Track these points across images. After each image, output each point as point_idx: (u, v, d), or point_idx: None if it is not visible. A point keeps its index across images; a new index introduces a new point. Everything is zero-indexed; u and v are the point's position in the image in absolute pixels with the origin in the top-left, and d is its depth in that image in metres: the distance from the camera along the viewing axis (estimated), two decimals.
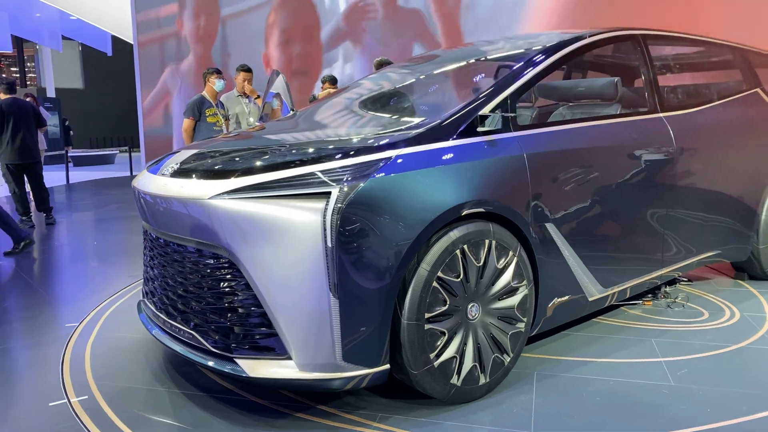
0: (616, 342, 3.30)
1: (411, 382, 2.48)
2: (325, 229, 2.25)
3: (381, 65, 5.90)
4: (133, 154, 15.85)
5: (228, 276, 2.42)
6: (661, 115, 3.54)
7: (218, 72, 6.17)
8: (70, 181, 13.49)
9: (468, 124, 2.67)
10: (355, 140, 2.55)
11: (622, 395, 2.67)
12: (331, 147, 2.50)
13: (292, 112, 4.45)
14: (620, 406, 2.57)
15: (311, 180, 2.31)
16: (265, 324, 2.36)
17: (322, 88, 7.24)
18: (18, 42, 31.20)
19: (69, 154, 15.27)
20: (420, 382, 2.46)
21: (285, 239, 2.28)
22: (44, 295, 4.36)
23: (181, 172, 2.65)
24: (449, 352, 2.50)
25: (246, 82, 6.39)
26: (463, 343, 2.55)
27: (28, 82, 33.89)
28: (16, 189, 7.06)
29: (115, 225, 7.76)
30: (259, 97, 6.48)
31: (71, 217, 8.15)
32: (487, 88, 2.86)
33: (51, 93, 28.29)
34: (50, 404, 2.64)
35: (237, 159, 2.64)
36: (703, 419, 2.45)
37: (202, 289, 2.51)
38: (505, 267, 2.65)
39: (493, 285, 2.63)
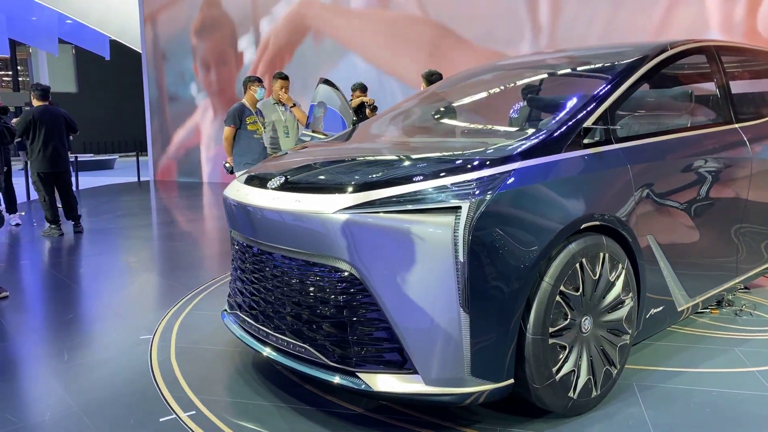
0: (701, 351, 3.32)
1: (530, 396, 2.47)
2: (456, 244, 2.24)
3: (431, 76, 5.89)
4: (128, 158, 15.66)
5: (350, 290, 2.41)
6: (736, 125, 3.58)
7: (259, 80, 6.15)
8: (79, 187, 13.35)
9: (575, 136, 2.68)
10: (473, 153, 2.54)
11: (731, 406, 2.69)
12: (452, 160, 2.49)
13: (351, 125, 4.43)
14: (733, 417, 2.59)
15: (440, 194, 2.31)
16: (390, 338, 2.36)
17: (352, 96, 7.23)
18: (11, 45, 30.87)
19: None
20: (540, 396, 2.45)
21: (414, 254, 2.27)
22: (104, 307, 4.31)
23: (294, 186, 2.63)
24: (568, 365, 2.51)
25: (283, 90, 6.37)
26: (579, 357, 2.55)
27: (21, 87, 33.51)
28: (46, 197, 6.98)
29: (146, 232, 7.70)
30: (295, 105, 6.46)
31: (97, 225, 8.07)
32: (587, 99, 2.87)
33: None
34: (161, 420, 2.61)
35: (354, 172, 2.62)
36: None
37: (319, 303, 2.49)
38: (616, 279, 2.66)
39: (604, 298, 2.64)
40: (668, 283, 3.04)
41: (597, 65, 3.41)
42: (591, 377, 2.59)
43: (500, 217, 2.30)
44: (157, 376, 3.05)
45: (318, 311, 2.50)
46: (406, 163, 2.60)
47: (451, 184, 2.32)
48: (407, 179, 2.38)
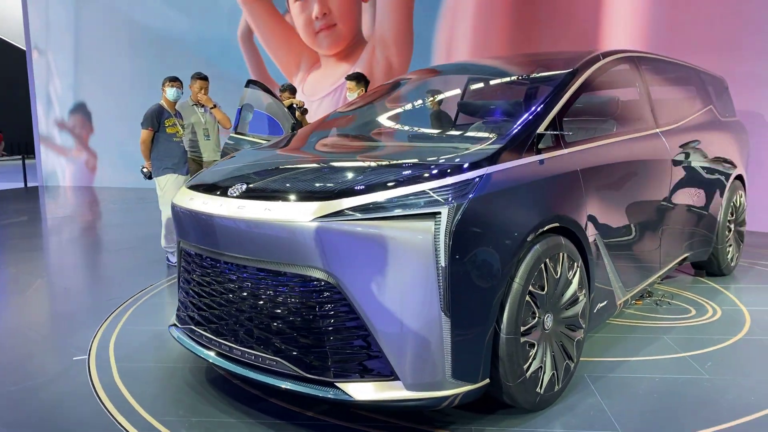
0: (635, 341, 3.56)
1: (501, 394, 2.55)
2: (437, 249, 2.27)
3: (361, 78, 5.87)
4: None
5: (326, 299, 2.36)
6: (657, 130, 3.88)
7: (172, 80, 5.81)
8: None
9: (530, 142, 2.79)
10: (446, 159, 2.57)
11: (674, 391, 2.91)
12: (427, 166, 2.51)
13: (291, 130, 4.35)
14: (679, 401, 2.81)
15: (419, 200, 2.32)
16: (369, 346, 2.34)
17: (280, 97, 7.07)
18: None
19: None
20: (513, 393, 2.54)
21: (394, 261, 2.28)
22: (24, 327, 3.95)
23: (259, 194, 2.55)
24: (536, 362, 2.61)
25: (202, 91, 6.10)
26: (545, 353, 2.66)
27: None
28: None
29: (44, 243, 7.11)
30: (215, 107, 6.22)
31: None
32: (536, 106, 3.00)
33: None
34: None
35: (326, 179, 2.58)
36: (754, 407, 2.73)
37: (293, 314, 2.43)
38: (573, 277, 2.80)
39: (563, 295, 2.77)
40: (610, 279, 3.25)
41: (538, 73, 3.57)
42: (555, 372, 2.71)
43: (476, 222, 2.36)
44: (104, 400, 2.83)
45: (291, 322, 2.44)
46: (380, 169, 2.59)
47: (430, 190, 2.35)
48: (384, 185, 2.38)
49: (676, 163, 3.92)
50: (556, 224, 2.70)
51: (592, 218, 2.98)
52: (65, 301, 4.56)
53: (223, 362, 2.67)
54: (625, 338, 3.61)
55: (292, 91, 7.00)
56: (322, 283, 2.35)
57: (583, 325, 2.91)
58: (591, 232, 2.97)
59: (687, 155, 4.11)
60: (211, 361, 2.72)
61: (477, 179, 2.43)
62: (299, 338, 2.43)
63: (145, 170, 5.72)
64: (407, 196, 2.33)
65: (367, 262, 2.30)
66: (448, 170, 2.43)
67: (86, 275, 5.42)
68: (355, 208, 2.32)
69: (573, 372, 2.89)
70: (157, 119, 5.56)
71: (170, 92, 5.72)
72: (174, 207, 2.95)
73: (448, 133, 3.31)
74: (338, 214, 2.31)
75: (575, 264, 2.82)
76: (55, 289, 4.90)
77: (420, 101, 4.00)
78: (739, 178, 5.09)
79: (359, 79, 5.82)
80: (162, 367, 3.23)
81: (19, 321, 4.07)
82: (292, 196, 2.45)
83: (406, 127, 3.48)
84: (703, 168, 4.38)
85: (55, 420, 2.70)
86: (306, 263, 2.37)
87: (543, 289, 2.61)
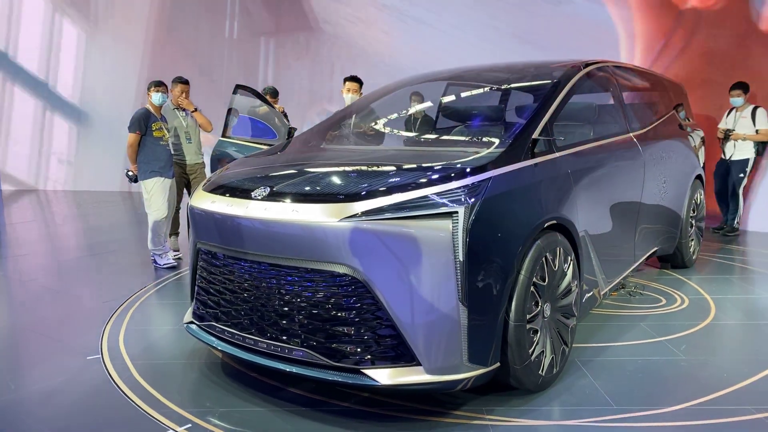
0: (615, 328, 3.88)
1: (508, 377, 2.80)
2: (455, 245, 2.50)
3: (354, 80, 6.06)
4: None
5: (353, 293, 2.56)
6: (630, 135, 4.21)
7: (158, 84, 5.89)
8: None
9: (528, 146, 3.05)
10: (460, 162, 2.80)
11: (656, 370, 3.22)
12: (444, 169, 2.73)
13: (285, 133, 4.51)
14: (662, 379, 3.12)
15: (439, 201, 2.55)
16: (392, 335, 2.55)
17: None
18: None
19: None
20: (519, 376, 2.79)
21: (416, 256, 2.50)
22: (28, 331, 3.99)
23: (285, 196, 2.72)
24: (539, 347, 2.87)
25: (183, 95, 6.18)
26: (545, 339, 2.93)
27: None
28: None
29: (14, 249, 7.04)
30: (196, 110, 6.29)
31: None
32: (532, 113, 3.27)
33: None
34: None
35: (352, 181, 2.77)
36: (727, 382, 3.06)
37: (321, 307, 2.61)
38: (568, 269, 3.08)
39: (559, 286, 3.04)
40: (596, 271, 3.55)
41: (528, 82, 3.84)
42: (554, 356, 2.98)
43: (488, 220, 2.60)
44: (128, 394, 2.96)
45: (319, 315, 2.62)
46: (400, 172, 2.80)
47: (447, 191, 2.58)
48: (405, 188, 2.60)
49: (647, 163, 4.26)
50: (554, 221, 2.97)
51: (581, 215, 3.26)
52: (59, 304, 4.60)
53: (248, 355, 2.84)
54: (607, 326, 3.92)
55: (274, 94, 7.12)
56: (349, 278, 2.55)
57: (576, 313, 3.20)
58: (581, 228, 3.25)
59: (656, 157, 4.47)
60: (234, 354, 2.88)
61: (486, 181, 2.68)
62: (326, 330, 2.61)
63: (130, 173, 5.76)
64: (426, 197, 2.56)
65: (391, 259, 2.51)
66: (463, 173, 2.66)
67: (74, 279, 5.43)
68: (378, 209, 2.53)
69: (568, 356, 3.16)
70: (144, 123, 5.61)
71: (156, 97, 5.77)
72: (192, 209, 3.09)
73: (453, 137, 3.56)
74: (364, 214, 2.51)
75: (569, 258, 3.09)
76: (46, 293, 4.92)
77: (421, 106, 4.23)
78: (699, 177, 5.52)
79: (358, 80, 6.03)
80: (178, 364, 3.36)
81: (18, 326, 4.11)
82: (318, 199, 2.64)
83: (412, 132, 3.70)
84: (670, 168, 4.75)
85: (87, 413, 2.81)
86: (333, 260, 2.56)
87: (544, 281, 2.87)
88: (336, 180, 2.84)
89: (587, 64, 3.89)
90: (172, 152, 6.00)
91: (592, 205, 3.44)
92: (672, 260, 5.36)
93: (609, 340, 3.68)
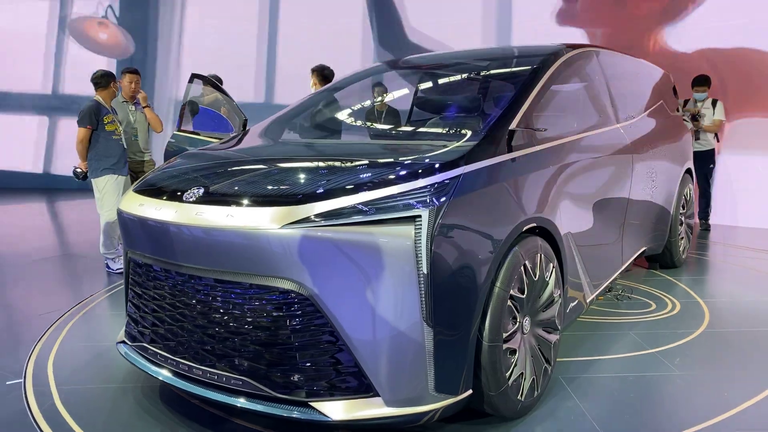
0: (602, 338, 3.54)
1: (483, 404, 2.43)
2: (418, 255, 2.12)
3: (324, 71, 5.64)
4: None
5: (299, 312, 2.18)
6: (618, 126, 3.86)
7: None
8: None
9: (503, 139, 2.68)
10: (423, 158, 2.42)
11: (648, 388, 2.88)
12: (404, 165, 2.35)
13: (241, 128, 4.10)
14: (655, 400, 2.77)
15: (398, 203, 2.16)
16: (346, 361, 2.17)
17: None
18: None
19: None
20: (495, 403, 2.42)
21: (372, 269, 2.12)
22: None
23: (220, 198, 2.33)
24: (518, 369, 2.51)
25: (132, 84, 5.68)
26: (525, 359, 2.56)
27: None
28: None
29: None
30: (147, 106, 5.80)
31: None
32: (507, 101, 2.90)
33: None
34: None
35: (295, 181, 2.37)
36: (728, 403, 2.72)
37: (261, 329, 2.23)
38: (549, 278, 2.71)
39: (540, 297, 2.68)
40: (581, 277, 3.19)
41: (504, 68, 3.47)
42: (534, 377, 2.62)
43: (457, 224, 2.23)
44: (44, 430, 2.55)
45: (259, 338, 2.23)
46: (354, 170, 2.41)
47: (409, 191, 2.19)
48: (358, 188, 2.21)
49: (635, 157, 3.92)
50: (534, 224, 2.60)
51: (564, 215, 2.90)
52: None
53: (182, 383, 2.44)
54: (593, 336, 3.58)
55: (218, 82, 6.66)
56: (293, 294, 2.17)
57: (559, 327, 2.84)
58: (564, 230, 2.89)
59: (645, 150, 4.13)
60: (167, 381, 2.49)
61: (455, 179, 2.30)
62: (268, 355, 2.23)
63: (78, 170, 5.31)
64: (383, 199, 2.17)
65: (342, 272, 2.13)
66: (428, 170, 2.28)
67: (12, 287, 4.98)
68: (327, 213, 2.14)
69: (550, 375, 2.80)
70: (95, 116, 5.15)
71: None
72: (121, 213, 2.68)
73: (418, 130, 3.17)
74: (309, 219, 2.13)
75: (551, 264, 2.73)
76: None
77: (382, 97, 3.84)
78: (689, 171, 5.19)
79: (321, 72, 5.60)
80: (110, 389, 2.95)
81: None
82: (258, 201, 2.25)
83: (369, 125, 3.32)
84: (660, 162, 4.42)
85: None
86: (275, 274, 2.17)
87: (523, 293, 2.51)
88: (281, 180, 2.44)
89: (569, 47, 3.53)
90: (126, 147, 5.53)
91: (576, 203, 3.08)
92: (661, 260, 5.04)
93: (596, 352, 3.33)
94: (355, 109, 3.72)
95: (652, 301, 4.22)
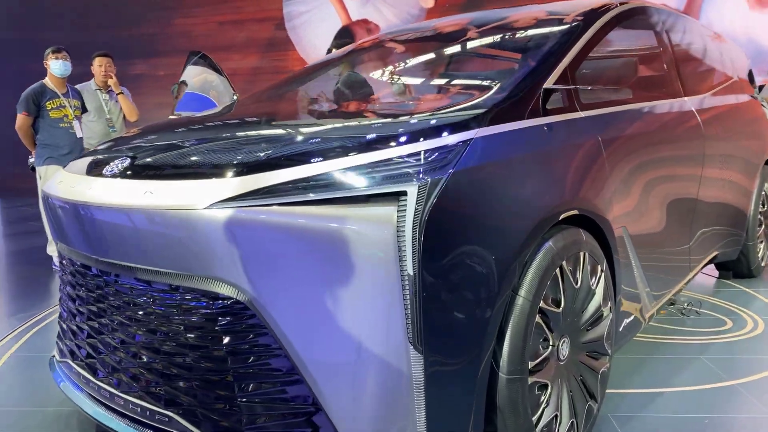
0: (665, 364, 2.79)
1: None
2: (401, 249, 1.47)
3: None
4: None
5: (236, 326, 1.56)
6: (685, 98, 3.11)
7: (56, 51, 4.69)
8: None
9: (535, 100, 2.00)
10: (417, 118, 1.78)
11: None
12: (387, 126, 1.72)
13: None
14: None
15: (372, 175, 1.52)
16: (299, 395, 1.54)
17: None
18: None
19: None
20: None
21: (336, 268, 1.48)
22: None
23: (144, 171, 1.74)
24: (550, 410, 1.82)
25: (102, 68, 5.10)
26: (560, 395, 1.87)
27: None
28: None
29: None
30: (121, 93, 5.23)
31: None
32: (544, 54, 2.22)
33: None
34: None
35: (239, 150, 1.76)
36: None
37: (187, 348, 1.62)
38: (596, 286, 2.01)
39: (583, 312, 1.98)
40: (639, 286, 2.47)
41: (544, 23, 2.76)
42: (574, 420, 1.92)
43: (461, 206, 1.57)
44: None
45: (186, 361, 1.63)
46: (317, 134, 1.79)
47: (389, 159, 1.55)
48: (319, 154, 1.58)
49: (707, 140, 3.15)
50: (575, 212, 1.91)
51: (617, 205, 2.20)
52: None
53: (100, 414, 1.86)
54: (652, 360, 2.84)
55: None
56: (229, 302, 1.55)
57: (609, 351, 2.13)
58: (617, 224, 2.19)
59: (718, 133, 3.35)
60: (85, 411, 1.91)
61: (462, 145, 1.64)
62: (199, 384, 1.62)
63: (30, 159, 4.82)
64: (353, 168, 1.53)
65: (295, 271, 1.50)
66: (419, 132, 1.63)
67: None
68: (275, 188, 1.52)
69: (597, 415, 2.10)
70: (34, 101, 4.59)
71: (55, 65, 4.70)
72: (44, 197, 2.13)
73: (427, 95, 2.53)
74: (248, 196, 1.51)
75: (599, 267, 2.03)
76: None
77: (395, 66, 3.19)
78: None
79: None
80: (42, 413, 2.40)
81: None
82: (186, 174, 1.64)
83: (362, 93, 2.70)
84: (736, 149, 3.63)
85: None
86: (205, 272, 1.56)
87: (558, 305, 1.82)
88: (223, 148, 1.83)
89: (623, 2, 2.81)
90: (82, 135, 4.88)
91: (632, 190, 2.36)
92: (734, 268, 4.20)
93: (658, 383, 2.59)
94: (360, 79, 3.09)
95: (727, 318, 3.43)
